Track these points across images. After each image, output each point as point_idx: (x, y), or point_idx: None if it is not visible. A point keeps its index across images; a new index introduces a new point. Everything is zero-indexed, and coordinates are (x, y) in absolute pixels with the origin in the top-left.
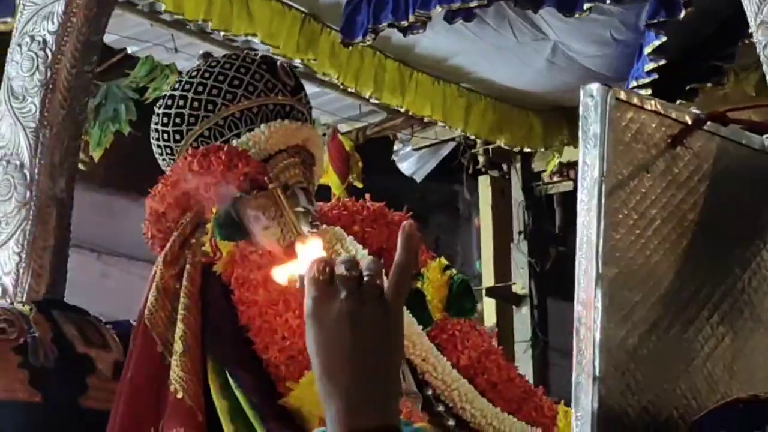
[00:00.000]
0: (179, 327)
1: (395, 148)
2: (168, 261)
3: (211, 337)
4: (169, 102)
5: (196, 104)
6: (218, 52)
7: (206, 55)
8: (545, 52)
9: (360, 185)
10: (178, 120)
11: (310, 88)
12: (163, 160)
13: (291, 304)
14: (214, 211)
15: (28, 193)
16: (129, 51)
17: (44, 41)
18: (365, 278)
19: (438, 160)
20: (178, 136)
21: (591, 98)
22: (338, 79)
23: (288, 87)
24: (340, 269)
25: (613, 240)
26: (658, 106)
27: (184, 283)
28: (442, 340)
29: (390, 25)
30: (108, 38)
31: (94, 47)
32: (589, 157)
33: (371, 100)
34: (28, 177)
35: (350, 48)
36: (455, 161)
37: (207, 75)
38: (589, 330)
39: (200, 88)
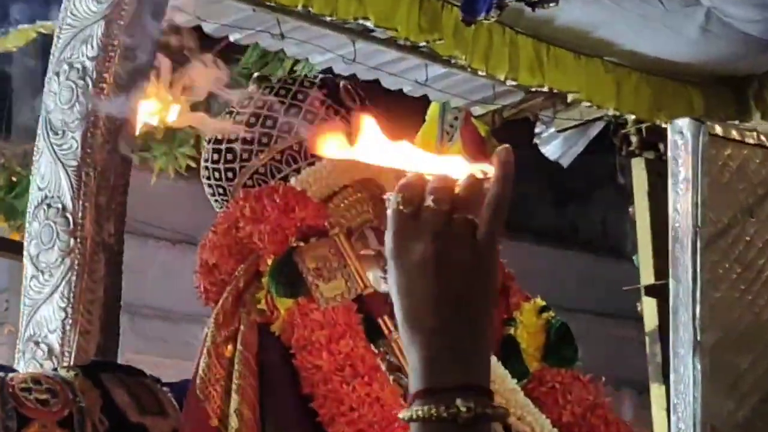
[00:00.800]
0: (234, 398)
1: (537, 130)
2: (220, 322)
3: (269, 408)
4: (219, 135)
5: (248, 137)
6: (329, 36)
7: (260, 80)
8: (698, 19)
9: None
10: (229, 156)
11: (435, 70)
12: (216, 201)
13: (359, 369)
14: (269, 262)
15: (72, 240)
16: (231, 39)
17: (83, 68)
18: (456, 215)
19: (587, 142)
20: (230, 174)
21: (680, 135)
22: (465, 60)
23: (352, 111)
24: (428, 201)
25: (712, 299)
26: (762, 138)
27: (239, 347)
28: (541, 394)
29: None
30: (207, 27)
31: (141, 72)
32: (680, 204)
33: (507, 82)
34: (71, 222)
35: (474, 26)
36: (606, 142)
37: (260, 103)
38: (689, 406)
39: (253, 120)
